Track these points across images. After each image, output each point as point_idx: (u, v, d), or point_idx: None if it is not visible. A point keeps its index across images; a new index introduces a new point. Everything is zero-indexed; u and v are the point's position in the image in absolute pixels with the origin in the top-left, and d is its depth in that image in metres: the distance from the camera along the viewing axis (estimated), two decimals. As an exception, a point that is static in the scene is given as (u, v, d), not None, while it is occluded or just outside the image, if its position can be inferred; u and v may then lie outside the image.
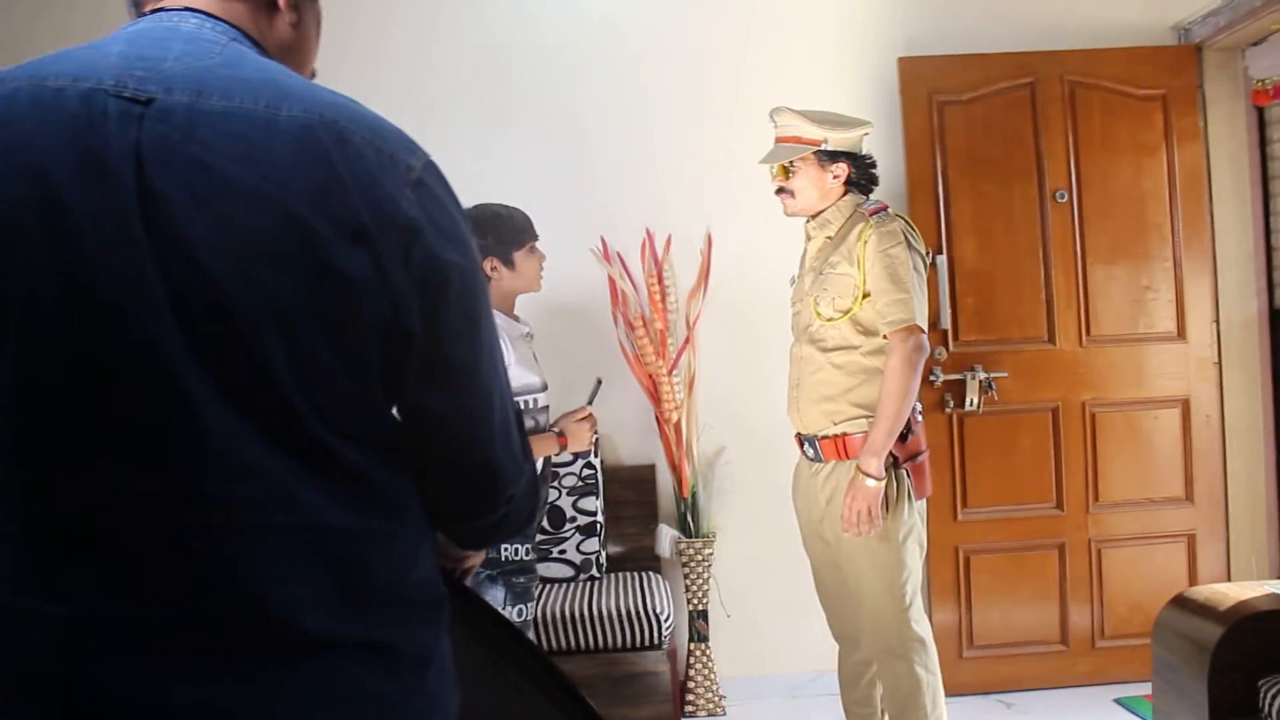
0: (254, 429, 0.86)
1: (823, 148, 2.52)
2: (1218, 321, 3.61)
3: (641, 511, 3.58)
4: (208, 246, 0.83)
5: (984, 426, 3.56)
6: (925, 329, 2.46)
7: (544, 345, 3.39)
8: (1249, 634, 2.25)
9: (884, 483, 2.42)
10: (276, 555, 0.87)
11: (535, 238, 2.59)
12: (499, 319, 2.48)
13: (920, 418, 2.53)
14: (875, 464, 2.41)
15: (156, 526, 0.85)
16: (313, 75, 1.08)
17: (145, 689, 0.84)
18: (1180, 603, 2.46)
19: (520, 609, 2.51)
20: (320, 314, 0.86)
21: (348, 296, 0.86)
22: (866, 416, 2.48)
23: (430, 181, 0.93)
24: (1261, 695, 2.19)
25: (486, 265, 2.51)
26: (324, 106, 0.90)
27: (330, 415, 0.88)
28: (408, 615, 0.95)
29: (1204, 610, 2.36)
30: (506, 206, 2.58)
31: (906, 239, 2.47)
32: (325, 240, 0.85)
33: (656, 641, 3.05)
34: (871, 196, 2.62)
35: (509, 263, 2.52)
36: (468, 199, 2.48)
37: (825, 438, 2.53)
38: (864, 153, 2.59)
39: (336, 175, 0.86)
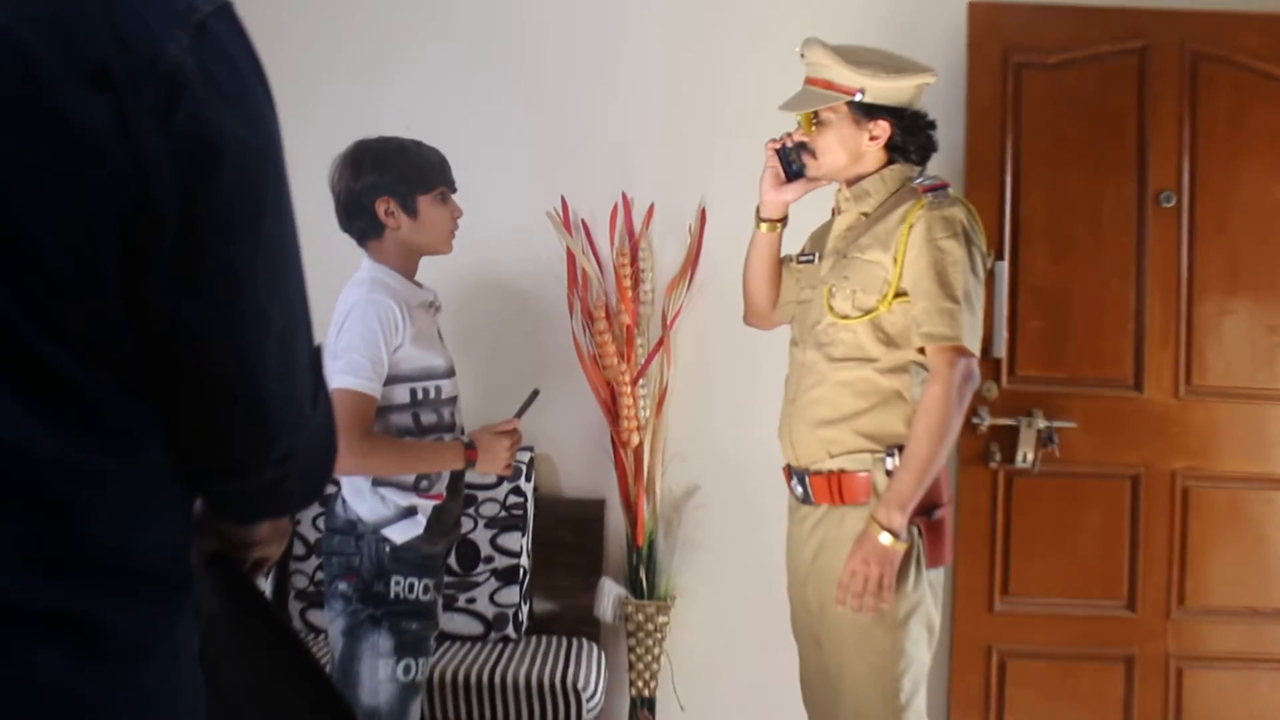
0: None
1: (857, 98, 2.18)
2: (1364, 383, 3.09)
3: (582, 559, 3.20)
4: None
5: (1039, 491, 3.11)
6: (977, 354, 2.19)
7: (477, 332, 3.17)
8: None
9: (905, 545, 2.11)
10: None
11: (449, 185, 2.36)
12: (394, 280, 2.33)
13: (943, 461, 2.22)
14: (899, 518, 2.10)
15: None
16: None
17: None
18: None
19: (408, 664, 2.22)
20: (37, 175, 0.75)
21: (78, 155, 0.75)
22: (872, 452, 2.17)
23: (219, 30, 0.82)
24: None
25: (381, 207, 2.30)
26: None
27: (41, 308, 0.76)
28: (125, 587, 0.83)
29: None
30: (417, 142, 2.36)
31: (967, 232, 2.16)
32: (54, 79, 0.74)
33: (574, 728, 2.64)
34: (927, 170, 2.29)
35: (410, 208, 2.29)
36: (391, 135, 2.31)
37: (818, 474, 2.22)
38: (918, 109, 2.24)
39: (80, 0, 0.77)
